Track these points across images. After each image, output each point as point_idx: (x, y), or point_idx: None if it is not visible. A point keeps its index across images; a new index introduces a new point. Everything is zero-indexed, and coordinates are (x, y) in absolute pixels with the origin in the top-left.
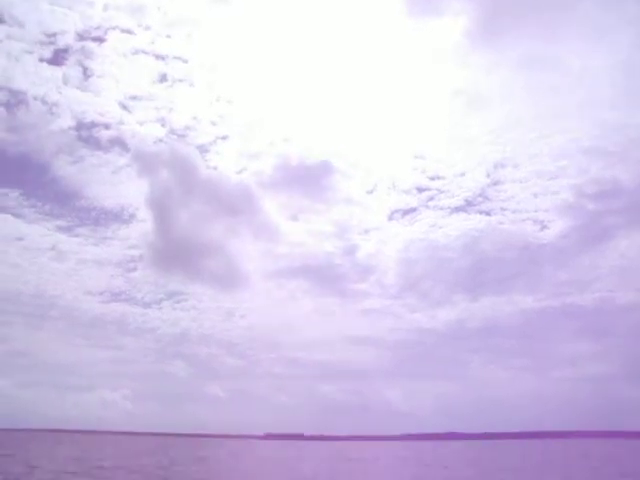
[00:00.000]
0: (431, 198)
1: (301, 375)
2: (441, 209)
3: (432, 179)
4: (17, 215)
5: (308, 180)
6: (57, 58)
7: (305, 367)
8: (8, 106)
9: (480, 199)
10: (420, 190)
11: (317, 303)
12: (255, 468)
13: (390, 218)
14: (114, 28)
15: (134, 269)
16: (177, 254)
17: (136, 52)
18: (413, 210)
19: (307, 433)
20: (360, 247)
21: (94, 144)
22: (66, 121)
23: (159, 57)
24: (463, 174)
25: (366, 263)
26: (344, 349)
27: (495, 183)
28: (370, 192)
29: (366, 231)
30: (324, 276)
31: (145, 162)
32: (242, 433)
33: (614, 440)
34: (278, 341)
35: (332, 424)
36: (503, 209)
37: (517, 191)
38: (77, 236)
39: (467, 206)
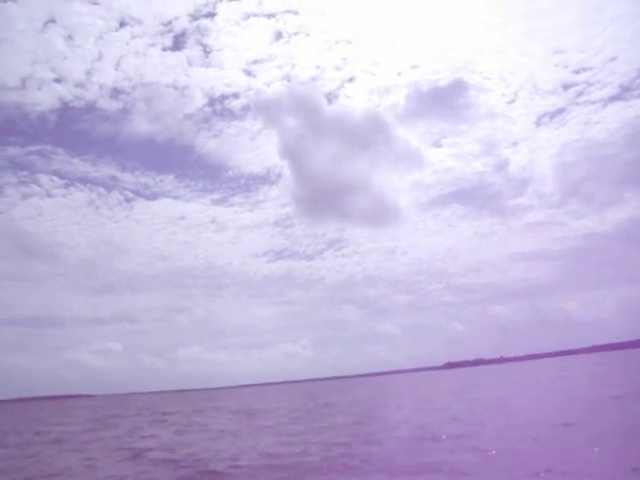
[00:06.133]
0: (580, 93)
1: (472, 300)
2: (593, 103)
3: (577, 72)
4: (175, 197)
5: (444, 102)
6: (177, 43)
7: (475, 291)
8: (146, 100)
9: (639, 81)
10: (566, 87)
11: (476, 226)
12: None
13: (538, 124)
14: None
15: (291, 225)
16: (329, 202)
17: (247, 17)
18: (562, 110)
19: (487, 357)
20: (511, 161)
21: (228, 115)
22: (199, 100)
23: (270, 16)
24: (614, 58)
25: (520, 176)
26: (512, 267)
27: None
28: (511, 101)
29: (514, 143)
30: (479, 197)
31: (279, 121)
32: (422, 366)
33: None
34: (443, 270)
35: (511, 345)
36: None
37: None
38: (232, 205)
39: (624, 93)
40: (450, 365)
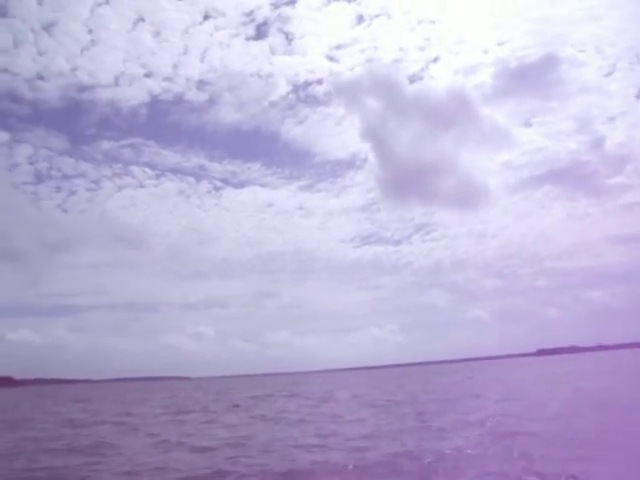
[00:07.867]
0: None
1: (566, 285)
2: None
3: None
4: (263, 184)
5: (534, 79)
6: (260, 32)
7: (569, 276)
8: (231, 89)
9: None
10: None
11: (570, 207)
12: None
13: (639, 97)
14: None
15: (378, 210)
16: (415, 185)
17: (328, 2)
18: None
19: (582, 345)
20: (607, 137)
21: (313, 101)
22: (283, 88)
23: None
24: None
25: (618, 154)
26: (609, 251)
27: None
28: (609, 74)
29: (611, 118)
30: (572, 177)
31: (363, 105)
32: (513, 352)
33: None
34: (535, 254)
35: (608, 332)
36: None
37: None
38: (319, 191)
39: None
40: (543, 352)
